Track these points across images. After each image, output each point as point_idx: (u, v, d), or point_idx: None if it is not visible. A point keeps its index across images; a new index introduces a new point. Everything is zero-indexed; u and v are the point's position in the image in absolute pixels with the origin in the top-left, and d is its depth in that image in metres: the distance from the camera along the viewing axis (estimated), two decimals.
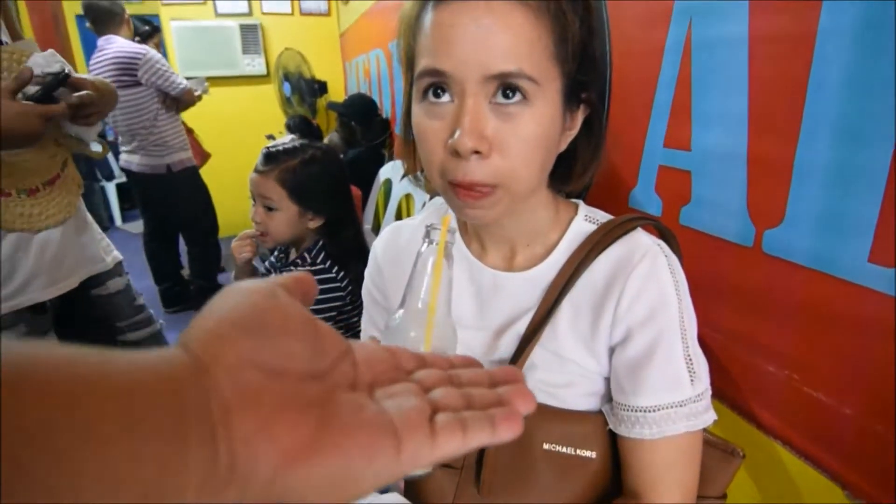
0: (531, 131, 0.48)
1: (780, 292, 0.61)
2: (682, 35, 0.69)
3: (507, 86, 0.47)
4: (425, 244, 0.44)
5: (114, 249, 1.25)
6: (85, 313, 1.19)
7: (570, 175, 0.58)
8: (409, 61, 0.53)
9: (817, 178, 0.55)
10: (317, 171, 1.13)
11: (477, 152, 0.47)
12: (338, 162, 1.22)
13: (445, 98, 0.48)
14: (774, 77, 0.59)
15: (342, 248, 1.15)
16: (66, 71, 0.97)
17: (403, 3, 0.52)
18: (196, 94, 2.65)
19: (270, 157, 1.13)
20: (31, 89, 0.94)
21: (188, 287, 2.86)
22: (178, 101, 2.52)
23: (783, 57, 0.57)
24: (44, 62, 0.97)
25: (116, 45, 2.37)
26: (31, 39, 1.06)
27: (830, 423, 0.58)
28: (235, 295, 0.24)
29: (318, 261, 1.14)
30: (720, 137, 0.66)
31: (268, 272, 1.30)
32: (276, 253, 1.30)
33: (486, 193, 0.50)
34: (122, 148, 2.53)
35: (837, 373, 0.57)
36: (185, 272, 2.95)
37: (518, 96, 0.47)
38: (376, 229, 2.57)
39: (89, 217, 1.20)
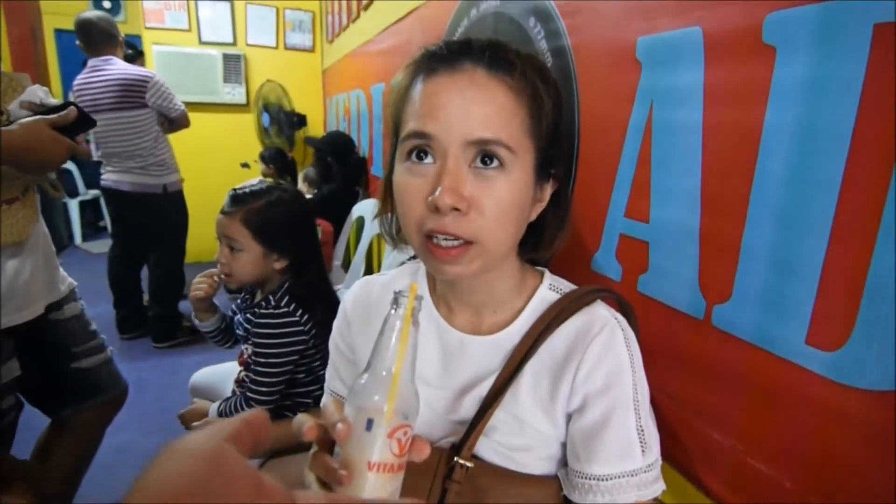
0: (506, 195, 0.52)
1: (727, 365, 0.65)
2: (644, 115, 0.74)
3: (486, 152, 0.51)
4: (393, 309, 0.46)
5: (67, 275, 1.26)
6: (44, 339, 1.18)
7: (540, 245, 0.62)
8: (396, 126, 0.57)
9: (761, 259, 0.59)
10: (282, 212, 1.15)
11: (456, 209, 0.50)
12: (303, 204, 1.25)
13: (428, 160, 0.52)
14: (724, 162, 0.63)
15: (307, 290, 1.15)
16: (58, 103, 1.01)
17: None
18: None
19: (236, 199, 1.15)
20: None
21: (146, 313, 2.77)
22: (173, 122, 2.55)
23: (733, 144, 0.62)
24: (43, 95, 1.01)
25: (118, 66, 2.38)
26: (26, 76, 1.09)
27: (771, 494, 0.61)
28: (177, 462, 0.24)
29: (282, 304, 1.13)
30: (675, 213, 0.70)
31: (234, 314, 1.29)
32: (243, 294, 1.29)
33: (462, 251, 0.53)
34: (109, 168, 2.50)
35: (777, 446, 0.60)
36: (145, 298, 2.87)
37: (496, 162, 0.52)
38: (346, 265, 2.56)
39: (51, 242, 1.19)
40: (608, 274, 0.83)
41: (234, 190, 1.16)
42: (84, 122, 1.02)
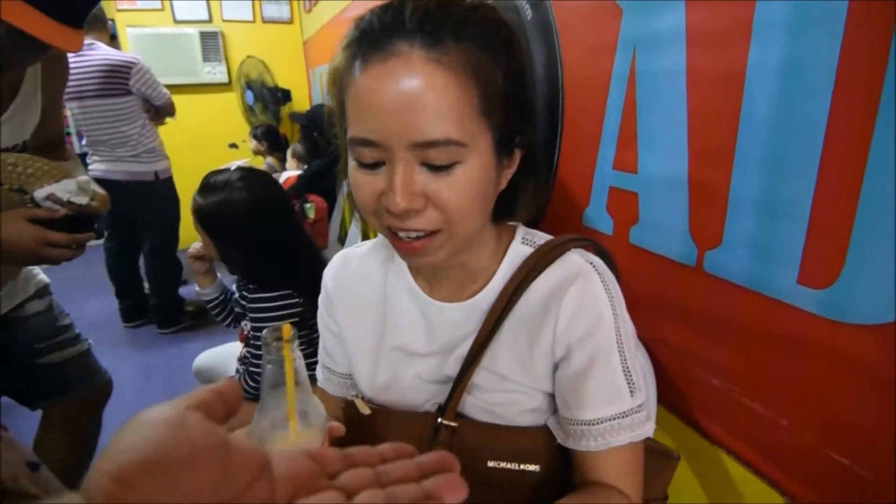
0: (464, 185, 0.49)
1: (720, 310, 0.65)
2: (627, 63, 0.72)
3: (434, 154, 0.47)
4: (268, 355, 0.43)
5: (39, 273, 1.22)
6: (6, 335, 1.15)
7: (514, 210, 0.60)
8: (340, 115, 0.53)
9: (750, 203, 0.59)
10: (233, 214, 1.11)
11: (411, 209, 0.49)
12: (267, 203, 1.16)
13: (377, 161, 0.49)
14: (710, 108, 0.62)
15: (285, 273, 1.14)
16: (85, 203, 0.95)
17: (367, 15, 0.52)
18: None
19: (201, 187, 1.14)
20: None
21: (148, 301, 2.78)
22: (159, 111, 2.50)
23: (717, 89, 0.61)
24: (74, 190, 0.94)
25: (102, 51, 2.30)
26: (73, 164, 1.04)
27: (767, 433, 0.62)
28: (140, 430, 0.23)
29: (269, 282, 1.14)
30: (663, 162, 0.69)
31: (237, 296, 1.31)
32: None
33: (427, 242, 0.51)
34: (96, 158, 2.46)
35: (772, 386, 0.61)
36: (146, 286, 2.87)
37: (447, 160, 0.48)
38: (342, 239, 2.56)
39: None
40: (600, 228, 0.82)
41: (206, 175, 1.15)
42: (82, 224, 0.95)
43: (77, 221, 0.95)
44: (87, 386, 1.28)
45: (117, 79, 2.31)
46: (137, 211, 2.57)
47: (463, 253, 0.57)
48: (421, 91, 0.45)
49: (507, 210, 0.60)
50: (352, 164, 0.52)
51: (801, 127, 0.52)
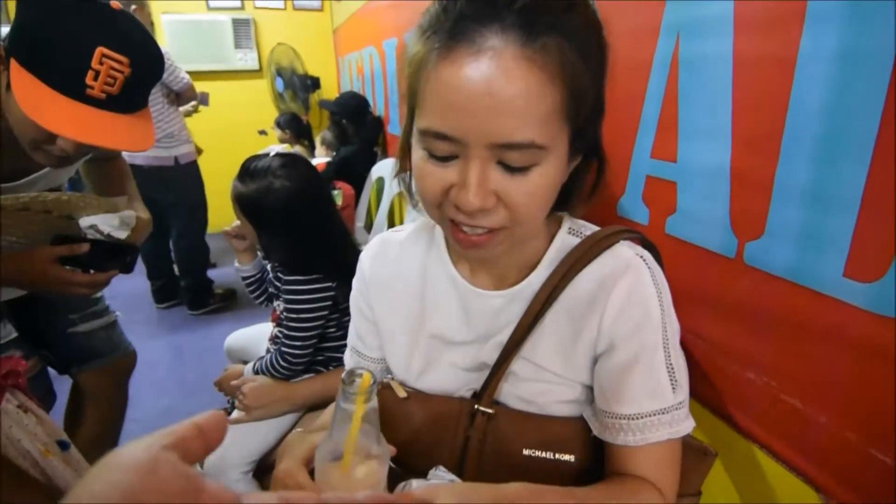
0: (538, 188, 0.48)
1: (760, 302, 0.64)
2: (670, 50, 0.71)
3: (514, 156, 0.46)
4: (342, 399, 0.44)
5: None
6: (36, 305, 1.22)
7: (570, 203, 0.59)
8: (412, 97, 0.51)
9: (796, 193, 0.57)
10: (271, 201, 1.11)
11: (482, 209, 0.47)
12: (306, 191, 1.16)
13: (450, 155, 0.47)
14: (757, 94, 0.61)
15: (321, 259, 1.16)
16: (123, 237, 1.03)
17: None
18: (192, 103, 2.68)
19: (241, 172, 1.15)
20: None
21: (179, 283, 2.86)
22: (179, 96, 2.53)
23: (766, 75, 0.59)
24: (116, 224, 1.02)
25: None
26: (125, 199, 1.11)
27: (806, 429, 0.61)
28: (111, 474, 0.23)
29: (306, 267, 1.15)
30: (705, 151, 0.68)
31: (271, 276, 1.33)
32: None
33: (488, 238, 0.51)
34: None
35: (813, 381, 0.59)
36: (176, 268, 2.95)
37: (526, 162, 0.46)
38: (369, 227, 2.58)
39: None
40: (635, 218, 0.81)
41: (247, 161, 1.17)
42: (110, 258, 1.02)
43: (111, 251, 1.03)
44: (113, 354, 1.36)
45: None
46: (159, 195, 2.62)
47: (517, 245, 0.57)
48: (511, 94, 0.42)
49: (562, 202, 0.58)
50: (419, 153, 0.50)
51: (855, 114, 0.51)
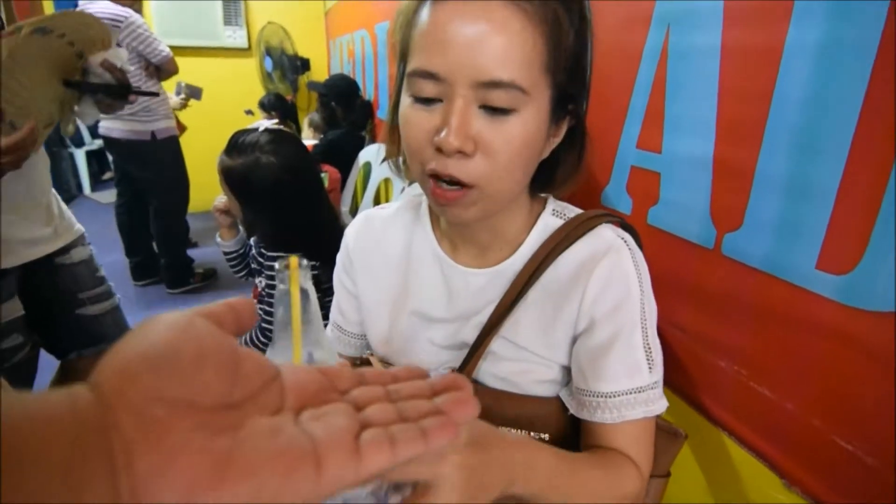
0: (516, 137, 0.49)
1: (735, 293, 0.65)
2: (660, 41, 0.71)
3: (496, 95, 0.47)
4: (281, 284, 0.43)
5: (76, 222, 1.25)
6: (48, 282, 1.18)
7: (552, 183, 0.60)
8: (403, 53, 0.53)
9: (775, 186, 0.58)
10: (259, 177, 1.10)
11: (461, 152, 0.48)
12: (295, 168, 1.16)
13: (435, 97, 0.49)
14: (742, 87, 0.61)
15: (305, 237, 1.15)
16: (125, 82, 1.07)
17: None
18: (180, 97, 2.63)
19: (229, 146, 1.14)
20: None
21: (158, 260, 2.81)
22: (159, 69, 2.46)
23: (752, 68, 0.60)
24: (125, 60, 1.07)
25: (98, 5, 2.28)
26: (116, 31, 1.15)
27: (773, 417, 0.62)
28: (149, 330, 0.23)
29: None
30: (689, 142, 0.69)
31: (251, 248, 1.32)
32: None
33: (460, 195, 0.51)
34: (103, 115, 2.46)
35: (782, 371, 0.61)
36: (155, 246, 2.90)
37: (508, 105, 0.48)
38: (354, 211, 2.57)
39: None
40: (618, 207, 0.82)
41: (234, 134, 1.15)
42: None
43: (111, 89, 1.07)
44: (115, 341, 1.30)
45: (116, 27, 2.27)
46: (136, 170, 2.56)
47: (493, 217, 0.57)
48: (495, 31, 0.46)
49: (545, 182, 0.59)
50: (406, 102, 0.52)
51: (836, 107, 0.52)
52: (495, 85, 0.47)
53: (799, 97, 0.55)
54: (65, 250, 1.19)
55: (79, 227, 1.24)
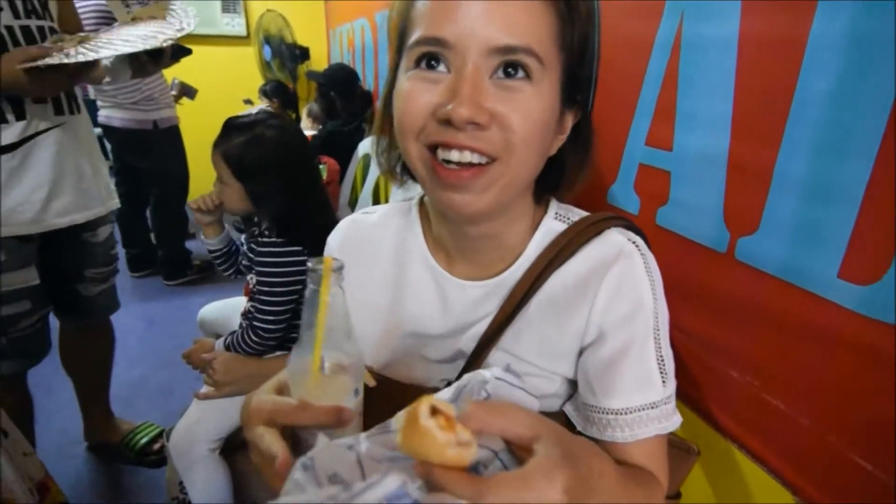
0: (535, 110, 0.45)
1: (749, 300, 0.62)
2: (673, 31, 0.67)
3: (511, 62, 0.44)
4: (312, 285, 0.41)
5: (114, 195, 1.37)
6: (69, 257, 1.27)
7: (560, 184, 0.56)
8: (401, 34, 0.49)
9: (795, 188, 0.55)
10: (261, 152, 1.09)
11: (474, 123, 0.44)
12: (293, 144, 1.16)
13: (441, 68, 0.45)
14: (761, 81, 0.58)
15: (303, 223, 1.12)
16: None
17: None
18: (173, 93, 2.60)
19: (224, 130, 1.12)
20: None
21: (156, 252, 2.78)
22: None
23: (772, 61, 0.56)
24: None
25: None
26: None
27: (786, 430, 0.59)
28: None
29: (282, 236, 1.11)
30: (702, 139, 0.65)
31: (241, 245, 1.30)
32: (248, 226, 1.27)
33: (477, 173, 0.46)
34: (102, 104, 2.42)
35: (797, 383, 0.57)
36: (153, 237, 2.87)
37: (522, 73, 0.44)
38: (353, 204, 2.53)
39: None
40: (626, 207, 0.78)
41: (228, 120, 1.12)
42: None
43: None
44: (112, 311, 1.50)
45: (107, 23, 2.25)
46: (137, 160, 2.54)
47: (495, 220, 0.53)
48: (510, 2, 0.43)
49: (550, 183, 0.55)
50: (405, 77, 0.47)
51: (865, 103, 0.48)
52: (511, 50, 0.43)
53: (824, 92, 0.51)
54: (94, 226, 1.29)
55: (116, 201, 1.38)
